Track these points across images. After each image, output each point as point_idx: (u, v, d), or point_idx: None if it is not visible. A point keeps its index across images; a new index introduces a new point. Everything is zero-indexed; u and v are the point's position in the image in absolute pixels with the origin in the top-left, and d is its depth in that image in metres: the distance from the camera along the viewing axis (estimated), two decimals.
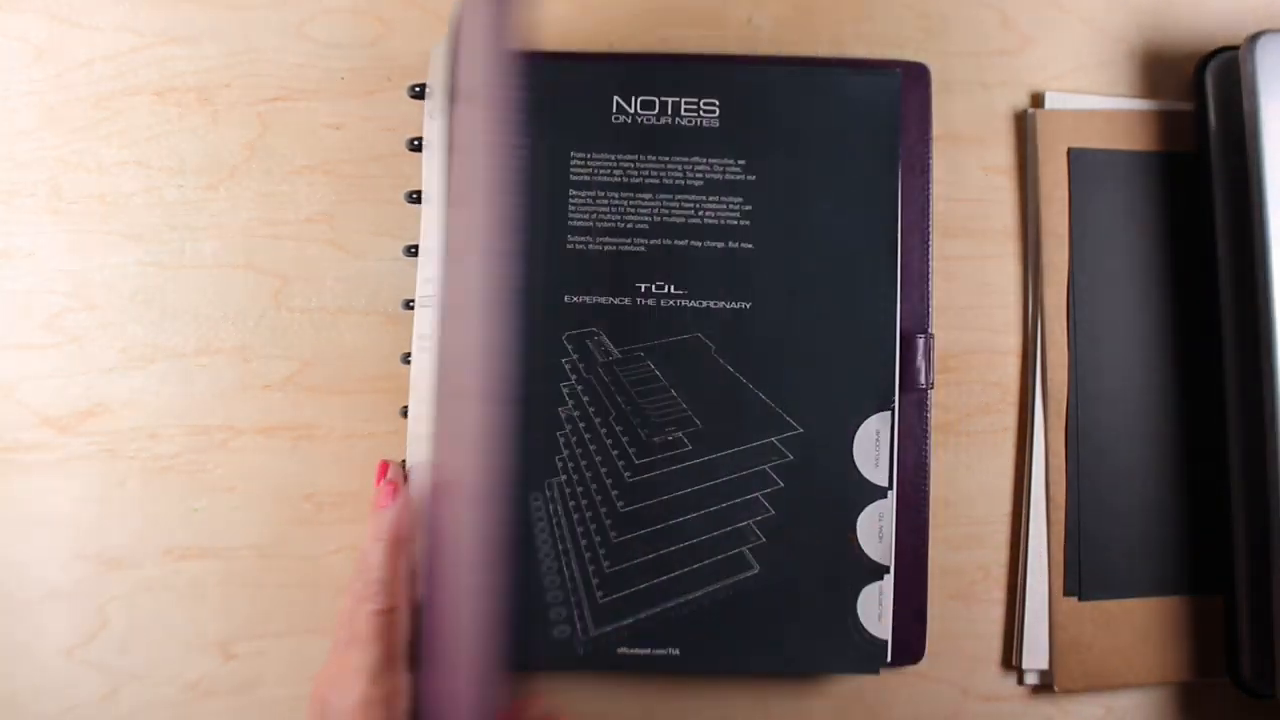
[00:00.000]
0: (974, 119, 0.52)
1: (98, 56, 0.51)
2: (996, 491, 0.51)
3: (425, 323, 0.46)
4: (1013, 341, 0.52)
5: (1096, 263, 0.51)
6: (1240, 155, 0.49)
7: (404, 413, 0.48)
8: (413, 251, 0.48)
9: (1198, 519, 0.51)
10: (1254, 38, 0.48)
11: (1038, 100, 0.52)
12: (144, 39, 0.51)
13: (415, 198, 0.48)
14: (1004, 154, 0.52)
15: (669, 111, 0.49)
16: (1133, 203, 0.51)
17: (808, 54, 0.52)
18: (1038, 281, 0.51)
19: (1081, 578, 0.50)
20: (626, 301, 0.48)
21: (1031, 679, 0.51)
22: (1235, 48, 0.50)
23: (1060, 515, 0.50)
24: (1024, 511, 0.51)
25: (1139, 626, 0.50)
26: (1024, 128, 0.52)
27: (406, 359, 0.48)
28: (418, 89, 0.47)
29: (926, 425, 0.49)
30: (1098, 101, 0.52)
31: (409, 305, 0.48)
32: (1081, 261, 0.51)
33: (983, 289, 0.52)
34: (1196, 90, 0.51)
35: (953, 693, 0.51)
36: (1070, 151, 0.51)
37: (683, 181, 0.49)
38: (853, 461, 0.48)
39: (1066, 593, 0.50)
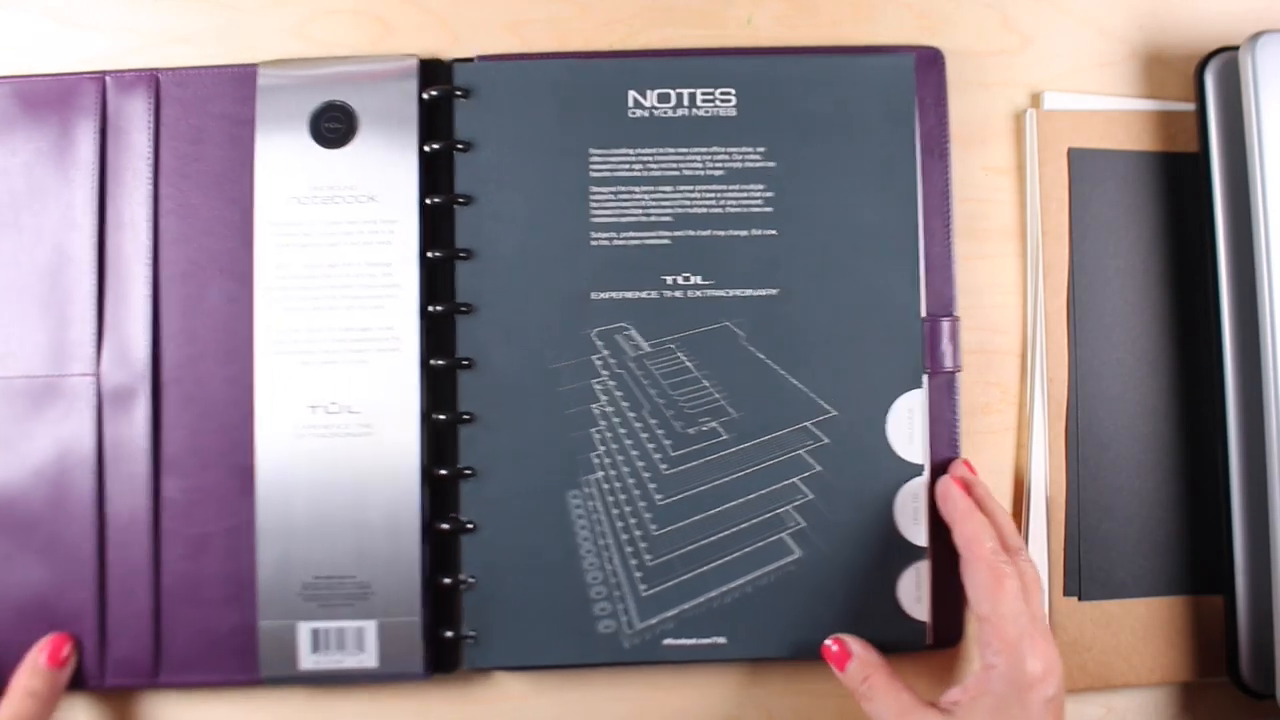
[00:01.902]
0: (974, 119, 0.52)
1: (98, 56, 0.51)
2: (996, 491, 0.51)
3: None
4: (1013, 341, 0.51)
5: (1096, 263, 0.51)
6: (1240, 155, 0.49)
7: None
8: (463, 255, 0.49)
9: (1198, 519, 0.51)
10: (1254, 38, 0.48)
11: (1038, 100, 0.52)
12: (144, 39, 0.51)
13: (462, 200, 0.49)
14: (1004, 154, 0.52)
15: (685, 103, 0.49)
16: (1133, 203, 0.51)
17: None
18: (1037, 281, 0.51)
19: (1081, 578, 0.50)
20: (654, 295, 0.48)
21: None
22: (1235, 48, 0.50)
23: (1060, 515, 0.50)
24: (1024, 512, 0.51)
25: (1139, 626, 0.50)
26: (1024, 128, 0.52)
27: None
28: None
29: (955, 407, 0.49)
30: (1098, 101, 0.52)
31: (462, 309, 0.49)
32: (1081, 261, 0.51)
33: (983, 289, 0.52)
34: (1196, 90, 0.51)
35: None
36: (1070, 151, 0.51)
37: (703, 172, 0.49)
38: (887, 440, 0.48)
39: (1066, 593, 0.50)
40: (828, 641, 0.46)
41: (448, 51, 0.50)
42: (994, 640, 0.42)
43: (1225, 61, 0.50)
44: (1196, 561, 0.51)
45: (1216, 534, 0.50)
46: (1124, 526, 0.50)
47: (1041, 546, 0.50)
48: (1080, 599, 0.50)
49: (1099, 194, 0.51)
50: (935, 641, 0.48)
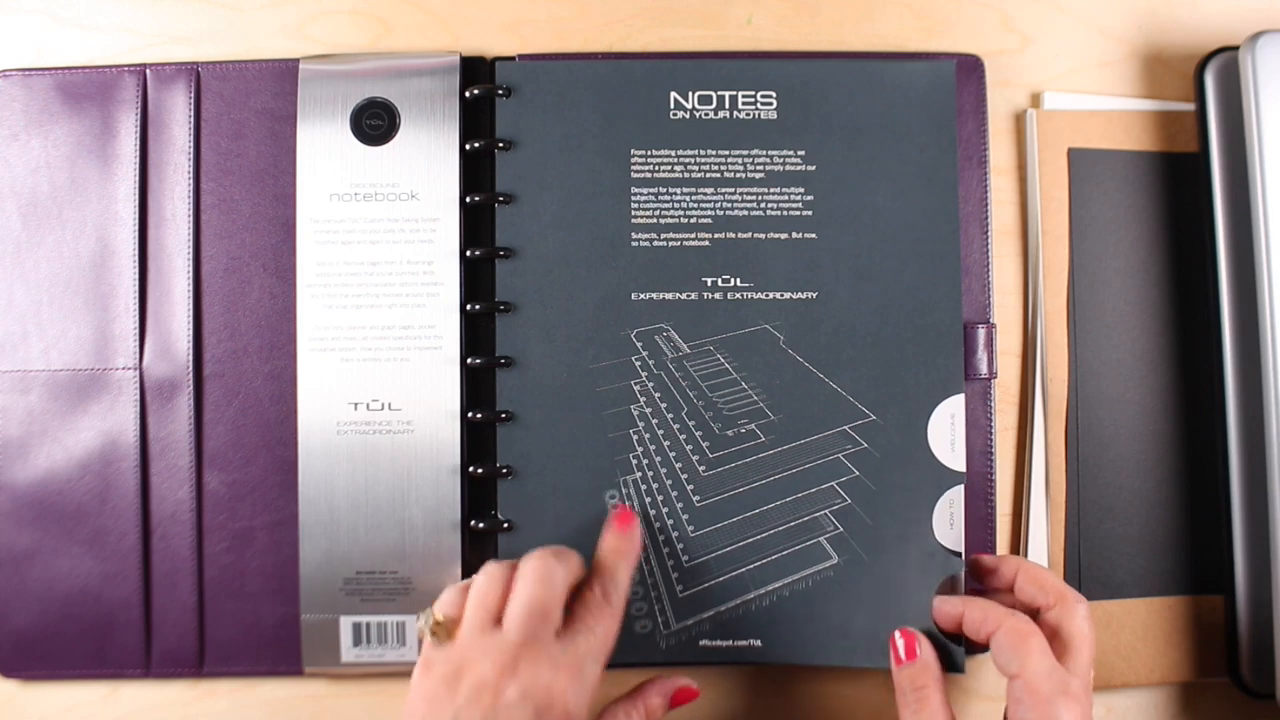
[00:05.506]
0: None
1: (98, 57, 0.51)
2: (997, 490, 0.51)
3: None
4: (1013, 341, 0.51)
5: (1096, 263, 0.51)
6: (1240, 155, 0.49)
7: None
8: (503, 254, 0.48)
9: (1198, 519, 0.51)
10: (1254, 38, 0.48)
11: (1037, 100, 0.52)
12: (144, 39, 0.51)
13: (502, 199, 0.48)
14: (1004, 154, 0.52)
15: (727, 105, 0.49)
16: (1133, 203, 0.51)
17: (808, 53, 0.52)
18: (1037, 281, 0.51)
19: (1081, 578, 0.50)
20: (693, 296, 0.48)
21: None
22: (1235, 48, 0.50)
23: (1060, 515, 0.50)
24: (1024, 511, 0.51)
25: (1139, 626, 0.50)
26: (1024, 128, 0.52)
27: None
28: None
29: (991, 414, 0.49)
30: (1098, 101, 0.52)
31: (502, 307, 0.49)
32: (1081, 261, 0.51)
33: None
34: (1196, 90, 0.51)
35: (953, 693, 0.51)
36: (1070, 151, 0.51)
37: (744, 174, 0.49)
38: (928, 446, 0.48)
39: None
40: (897, 632, 0.45)
41: (449, 50, 0.50)
42: (1026, 698, 0.41)
43: (1225, 61, 0.50)
44: (1196, 561, 0.51)
45: (1216, 534, 0.50)
46: (1124, 526, 0.50)
47: (1042, 546, 0.50)
48: None
49: (1099, 194, 0.51)
50: (968, 649, 0.47)
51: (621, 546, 0.45)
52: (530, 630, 0.40)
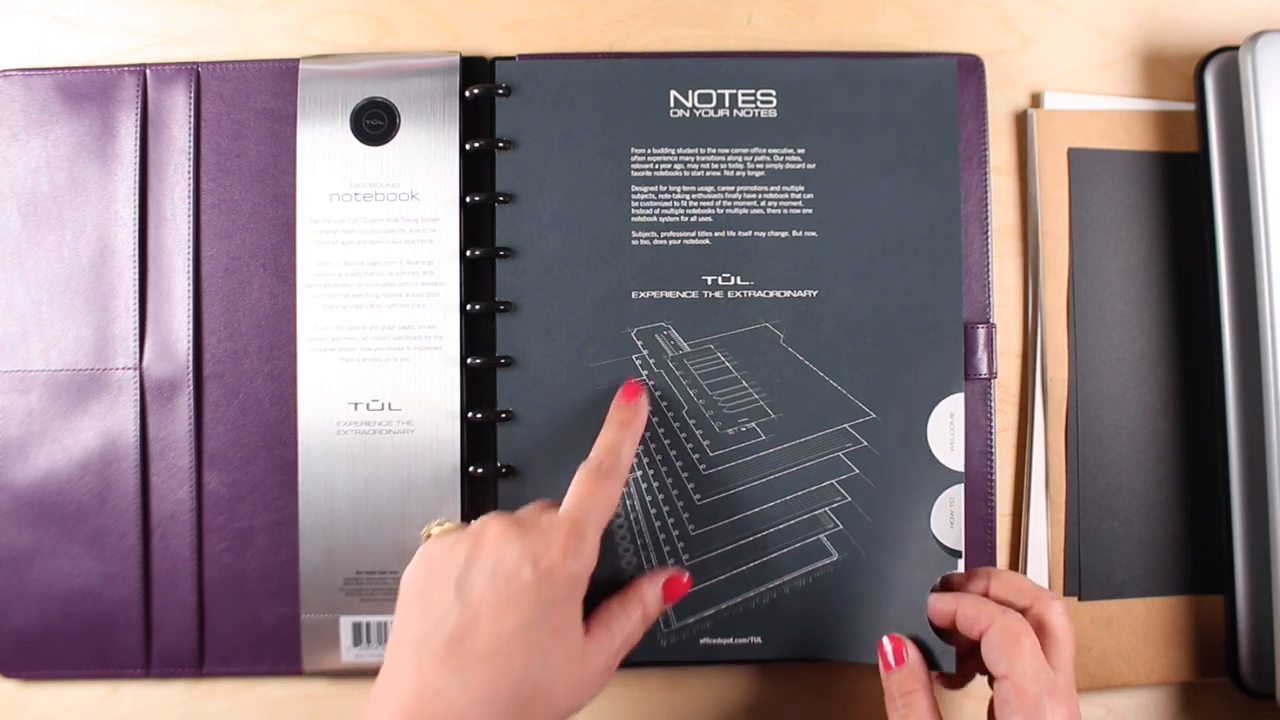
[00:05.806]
0: None
1: (98, 57, 0.51)
2: (998, 490, 0.51)
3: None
4: (1013, 341, 0.51)
5: (1096, 263, 0.51)
6: (1240, 155, 0.49)
7: None
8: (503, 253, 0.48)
9: (1198, 519, 0.51)
10: (1254, 38, 0.48)
11: (1038, 100, 0.52)
12: (144, 39, 0.51)
13: (502, 199, 0.48)
14: (1004, 154, 0.52)
15: (727, 104, 0.49)
16: (1133, 203, 0.51)
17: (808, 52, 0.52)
18: (1037, 281, 0.51)
19: (1081, 578, 0.50)
20: (694, 295, 0.48)
21: None
22: (1235, 48, 0.50)
23: (1060, 515, 0.50)
24: (1024, 511, 0.51)
25: (1139, 626, 0.50)
26: (1024, 128, 0.52)
27: None
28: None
29: (991, 414, 0.49)
30: (1098, 101, 0.52)
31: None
32: (1081, 261, 0.51)
33: None
34: (1196, 90, 0.51)
35: (945, 691, 0.51)
36: (1070, 151, 0.51)
37: (744, 173, 0.49)
38: (928, 445, 0.48)
39: (1066, 593, 0.50)
40: (885, 638, 0.45)
41: (449, 50, 0.50)
42: (1014, 699, 0.41)
43: (1225, 61, 0.50)
44: (1196, 561, 0.51)
45: (1216, 534, 0.50)
46: (1124, 526, 0.50)
47: (1042, 546, 0.50)
48: (1080, 599, 0.50)
49: (1099, 194, 0.51)
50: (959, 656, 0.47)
51: (626, 418, 0.45)
52: (541, 513, 0.42)
